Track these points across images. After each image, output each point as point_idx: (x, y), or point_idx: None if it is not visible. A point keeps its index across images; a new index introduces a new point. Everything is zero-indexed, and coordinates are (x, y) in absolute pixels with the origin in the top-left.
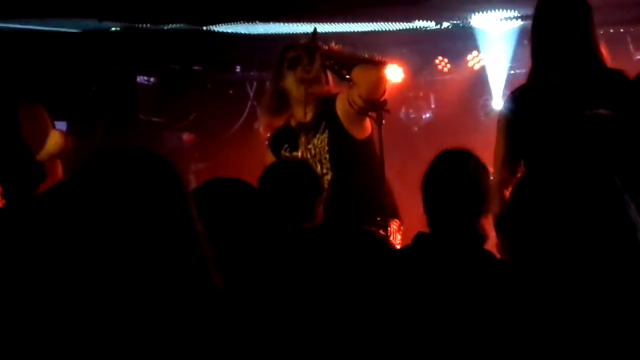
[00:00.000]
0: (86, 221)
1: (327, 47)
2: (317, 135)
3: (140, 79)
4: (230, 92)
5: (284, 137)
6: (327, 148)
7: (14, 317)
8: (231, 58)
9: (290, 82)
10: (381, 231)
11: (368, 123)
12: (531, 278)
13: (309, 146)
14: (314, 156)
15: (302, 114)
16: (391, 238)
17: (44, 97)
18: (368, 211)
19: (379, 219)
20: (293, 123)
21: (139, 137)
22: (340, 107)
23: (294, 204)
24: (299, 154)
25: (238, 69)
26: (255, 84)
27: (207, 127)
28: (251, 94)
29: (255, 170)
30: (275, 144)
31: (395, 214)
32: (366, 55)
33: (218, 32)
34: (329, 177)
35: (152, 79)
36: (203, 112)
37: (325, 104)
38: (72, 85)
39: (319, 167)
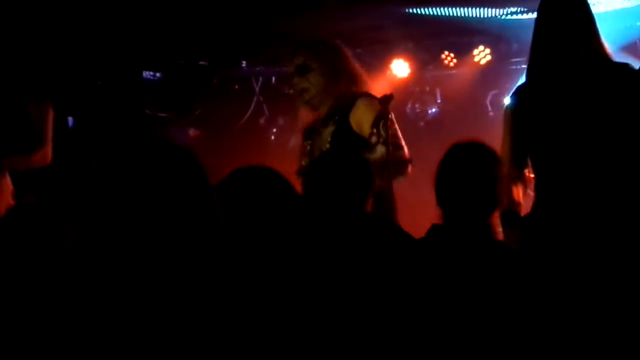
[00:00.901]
0: (124, 203)
1: None
2: (326, 128)
3: (146, 74)
4: (236, 87)
5: (306, 129)
6: (329, 139)
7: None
8: (237, 53)
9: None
10: None
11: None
12: (558, 270)
13: (316, 137)
14: (318, 145)
15: (323, 110)
16: None
17: (49, 92)
18: None
19: None
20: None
21: (144, 132)
22: (355, 113)
23: (346, 197)
24: (309, 142)
25: (244, 64)
26: (261, 79)
27: (213, 122)
28: (257, 90)
29: (260, 164)
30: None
31: (387, 216)
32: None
33: (223, 27)
34: None
35: (157, 74)
36: (209, 108)
37: (343, 102)
38: (78, 80)
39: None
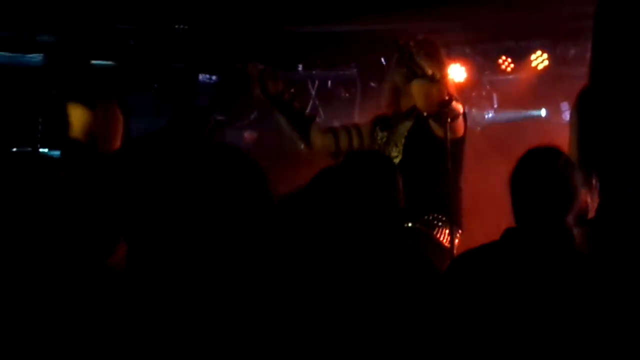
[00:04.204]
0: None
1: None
2: (405, 121)
3: (202, 77)
4: (292, 90)
5: (381, 119)
6: (405, 134)
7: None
8: (294, 56)
9: (398, 78)
10: (428, 229)
11: (457, 128)
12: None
13: (394, 129)
14: (394, 139)
15: (405, 104)
16: (440, 238)
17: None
18: (420, 206)
19: (427, 217)
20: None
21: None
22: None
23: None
24: (385, 134)
25: (300, 67)
26: (317, 82)
27: (269, 125)
28: (313, 93)
29: (316, 167)
30: (373, 123)
31: (452, 218)
32: (427, 69)
33: (280, 31)
34: (397, 160)
35: (213, 77)
36: (264, 110)
37: None
38: (134, 83)
39: (393, 149)
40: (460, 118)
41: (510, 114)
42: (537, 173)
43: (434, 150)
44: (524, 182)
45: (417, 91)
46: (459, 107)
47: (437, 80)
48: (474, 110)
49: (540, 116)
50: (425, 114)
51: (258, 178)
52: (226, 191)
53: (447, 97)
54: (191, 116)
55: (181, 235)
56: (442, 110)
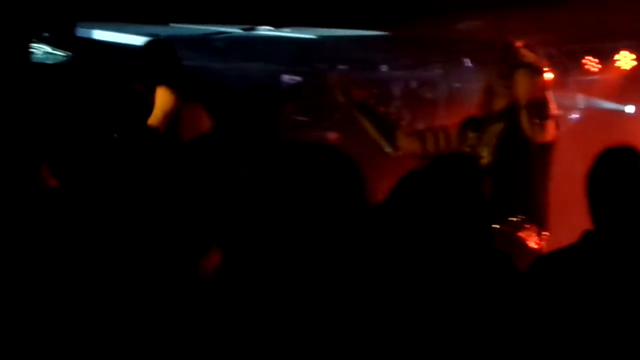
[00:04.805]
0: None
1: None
2: (497, 123)
3: (285, 78)
4: (375, 92)
5: (472, 120)
6: (497, 135)
7: None
8: (377, 58)
9: (493, 78)
10: (514, 230)
11: (548, 129)
12: None
13: (485, 130)
14: (485, 140)
15: (498, 105)
16: (526, 239)
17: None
18: (507, 207)
19: (514, 218)
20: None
21: (283, 136)
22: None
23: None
24: (476, 135)
25: (384, 68)
26: (400, 83)
27: (351, 126)
28: (397, 94)
29: (399, 168)
30: (463, 124)
31: (538, 220)
32: (532, 60)
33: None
34: (485, 161)
35: (297, 78)
36: (347, 112)
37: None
38: (216, 84)
39: (484, 150)
40: (552, 121)
41: (599, 102)
42: (614, 175)
43: (524, 152)
44: (600, 183)
45: (521, 79)
46: (552, 108)
47: (541, 73)
48: (559, 111)
49: (627, 112)
50: (523, 102)
51: (356, 179)
52: (327, 192)
53: (544, 94)
54: (263, 100)
55: (275, 236)
56: (535, 106)
